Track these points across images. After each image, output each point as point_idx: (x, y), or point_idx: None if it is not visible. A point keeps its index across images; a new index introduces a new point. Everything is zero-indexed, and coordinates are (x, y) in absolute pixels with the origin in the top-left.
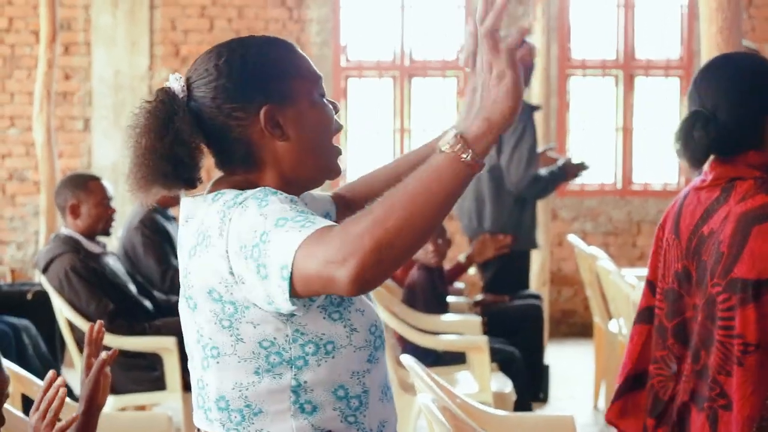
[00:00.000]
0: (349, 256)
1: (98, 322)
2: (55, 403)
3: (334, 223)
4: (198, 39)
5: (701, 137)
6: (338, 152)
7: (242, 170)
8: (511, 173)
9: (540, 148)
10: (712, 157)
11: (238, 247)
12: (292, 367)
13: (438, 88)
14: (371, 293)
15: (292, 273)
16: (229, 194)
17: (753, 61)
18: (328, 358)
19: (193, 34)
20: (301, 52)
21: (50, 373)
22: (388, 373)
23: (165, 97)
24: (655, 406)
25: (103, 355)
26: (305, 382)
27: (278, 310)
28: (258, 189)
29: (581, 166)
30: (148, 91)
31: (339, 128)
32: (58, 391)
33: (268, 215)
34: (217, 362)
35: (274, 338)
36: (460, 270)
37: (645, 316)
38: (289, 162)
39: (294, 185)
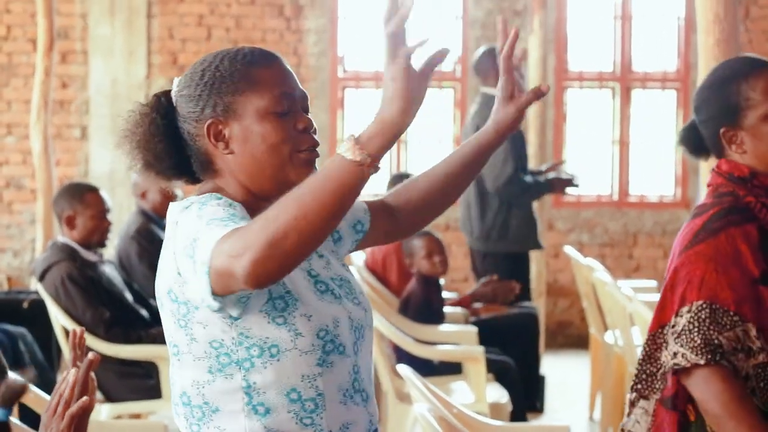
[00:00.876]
0: (245, 251)
1: (80, 329)
2: (66, 392)
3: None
4: (195, 48)
5: (688, 139)
6: (305, 162)
7: (208, 177)
8: (488, 174)
9: (546, 165)
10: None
11: (182, 247)
12: (240, 369)
13: (434, 99)
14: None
15: (209, 268)
16: (186, 200)
17: (722, 74)
18: (273, 361)
19: (190, 44)
20: (274, 67)
21: (65, 372)
22: (361, 377)
23: (153, 99)
24: None
25: (90, 356)
26: (255, 383)
27: (210, 307)
28: (205, 194)
29: (569, 183)
30: (146, 101)
31: (309, 143)
32: (68, 382)
33: (203, 216)
34: (178, 359)
35: (222, 339)
36: (463, 303)
37: None
38: (242, 174)
39: (256, 194)
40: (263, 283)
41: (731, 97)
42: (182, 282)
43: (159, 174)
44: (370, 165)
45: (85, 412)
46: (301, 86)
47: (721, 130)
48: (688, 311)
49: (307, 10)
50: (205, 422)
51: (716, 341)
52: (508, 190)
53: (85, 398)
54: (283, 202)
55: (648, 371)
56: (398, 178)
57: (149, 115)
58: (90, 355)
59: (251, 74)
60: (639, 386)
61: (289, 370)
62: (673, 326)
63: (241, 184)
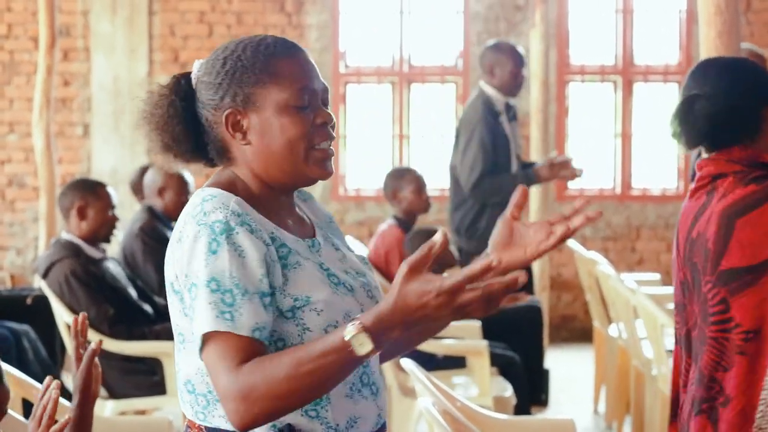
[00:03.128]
0: (240, 406)
1: (81, 314)
2: (49, 406)
3: (251, 332)
4: (197, 45)
5: (700, 115)
6: (320, 157)
7: (224, 165)
8: (461, 174)
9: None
10: (703, 155)
11: (184, 274)
12: None
13: (437, 94)
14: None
15: (201, 348)
16: (198, 195)
17: (748, 61)
18: None
19: (192, 40)
20: (296, 60)
21: (47, 379)
22: (371, 370)
23: (172, 81)
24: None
25: (93, 345)
26: None
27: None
28: (218, 219)
29: (562, 168)
30: (147, 92)
31: (324, 138)
32: (51, 395)
33: (208, 264)
34: (184, 347)
35: None
36: None
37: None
38: (257, 165)
39: (271, 185)
40: (248, 429)
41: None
42: (180, 287)
43: (177, 156)
44: (373, 353)
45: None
46: (322, 79)
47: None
48: None
49: (309, 5)
50: (210, 410)
51: None
52: (479, 191)
53: (67, 416)
54: (284, 373)
55: None
56: (397, 172)
57: (168, 97)
58: (92, 344)
59: (273, 66)
60: None
61: None
62: None
63: (255, 175)
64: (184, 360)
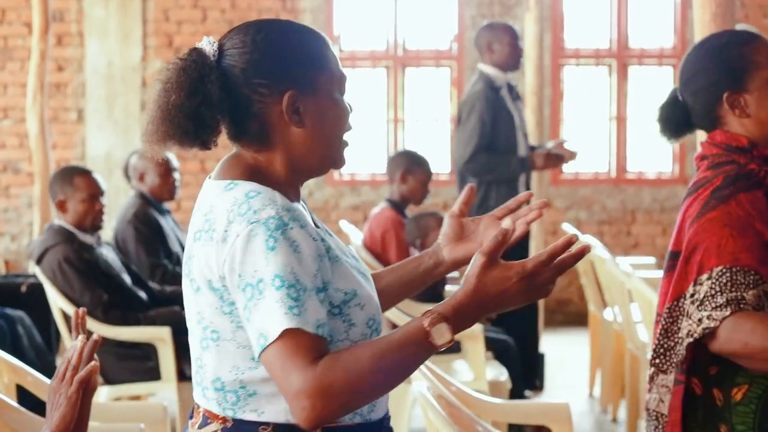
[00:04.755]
0: (318, 402)
1: (81, 309)
2: (74, 357)
3: (316, 329)
4: (191, 30)
5: (665, 115)
6: (346, 145)
7: (253, 147)
8: (457, 150)
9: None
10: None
11: (237, 274)
12: None
13: (431, 78)
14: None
15: (265, 347)
16: (239, 191)
17: (717, 41)
18: None
19: (186, 25)
20: (333, 49)
21: (78, 339)
22: None
23: (197, 57)
24: None
25: (95, 336)
26: None
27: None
28: (271, 215)
29: (557, 158)
30: (141, 83)
31: (349, 128)
32: (75, 347)
33: (270, 262)
34: (217, 345)
35: None
36: None
37: None
38: (299, 149)
39: (299, 172)
40: (316, 427)
41: (736, 61)
42: (226, 290)
43: (189, 143)
44: (450, 343)
45: (90, 392)
46: None
47: (725, 95)
48: (708, 278)
49: None
50: (241, 406)
51: (740, 296)
52: (472, 165)
53: (93, 363)
54: (367, 366)
55: (666, 345)
56: (415, 156)
57: (198, 83)
58: (94, 335)
59: (325, 54)
60: (657, 361)
61: None
62: (692, 295)
63: (289, 160)
64: (216, 358)
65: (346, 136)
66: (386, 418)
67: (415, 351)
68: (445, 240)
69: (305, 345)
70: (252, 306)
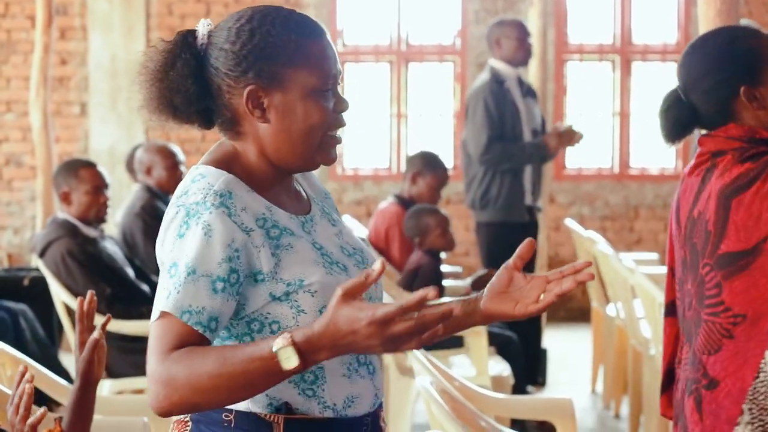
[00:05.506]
0: (161, 391)
1: (89, 292)
2: (24, 398)
3: (183, 314)
4: (194, 24)
5: (672, 117)
6: (332, 144)
7: (228, 135)
8: (470, 143)
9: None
10: (701, 132)
11: (160, 247)
12: (240, 343)
13: (435, 73)
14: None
15: (154, 324)
16: (191, 175)
17: (724, 38)
18: None
19: (189, 19)
20: (324, 43)
21: (21, 367)
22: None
23: (180, 38)
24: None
25: (96, 334)
26: None
27: None
28: (196, 200)
29: (569, 135)
30: (147, 47)
31: (338, 126)
32: (24, 388)
33: (174, 247)
34: None
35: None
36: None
37: (671, 308)
38: (268, 144)
39: (277, 165)
40: (163, 415)
41: (747, 56)
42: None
43: (179, 118)
44: (299, 370)
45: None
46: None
47: (742, 90)
48: None
49: None
50: None
51: None
52: (488, 157)
53: (43, 409)
54: (209, 371)
55: None
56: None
57: (180, 56)
58: (95, 333)
59: (305, 48)
60: None
61: None
62: None
63: (262, 153)
64: None
65: (331, 133)
66: (370, 415)
67: (259, 368)
68: (490, 289)
69: (173, 331)
70: (160, 286)
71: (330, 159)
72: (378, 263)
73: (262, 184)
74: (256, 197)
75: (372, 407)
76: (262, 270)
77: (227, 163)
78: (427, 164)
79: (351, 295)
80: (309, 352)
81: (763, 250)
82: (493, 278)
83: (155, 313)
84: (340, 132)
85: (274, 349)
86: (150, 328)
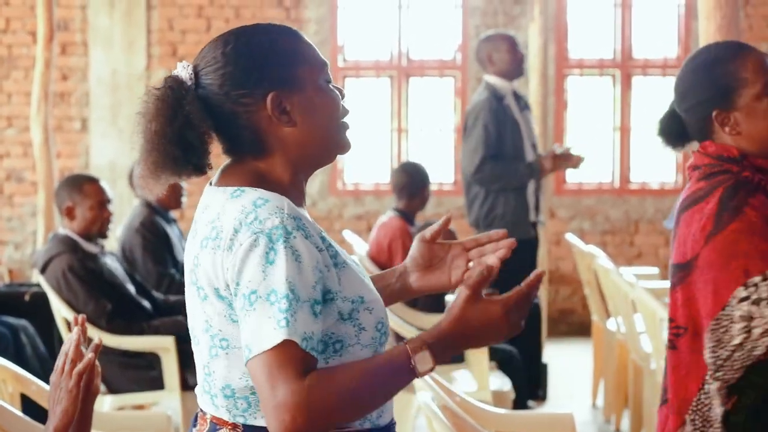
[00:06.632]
0: (299, 417)
1: (81, 316)
2: (71, 349)
3: (303, 341)
4: (195, 39)
5: (666, 128)
6: (346, 127)
7: (251, 157)
8: (464, 160)
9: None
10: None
11: (236, 283)
12: None
13: (435, 88)
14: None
15: (251, 357)
16: (246, 199)
17: (707, 58)
18: (335, 357)
19: (190, 35)
20: (306, 39)
21: (74, 331)
22: None
23: (173, 83)
24: None
25: (96, 340)
26: None
27: None
28: (275, 225)
29: (565, 157)
30: (156, 90)
31: (346, 113)
32: (72, 338)
33: (267, 275)
34: (227, 353)
35: None
36: None
37: None
38: (297, 147)
39: (304, 168)
40: None
41: (723, 79)
42: (231, 294)
43: (175, 170)
44: (431, 371)
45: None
46: None
47: (714, 113)
48: (763, 279)
49: None
50: (252, 412)
51: None
52: (480, 176)
53: (91, 355)
54: (354, 386)
55: (722, 356)
56: (404, 171)
57: (177, 108)
58: (95, 339)
59: (296, 46)
60: (719, 374)
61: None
62: (747, 297)
63: (289, 161)
64: (226, 365)
65: (344, 120)
66: (392, 424)
67: (397, 376)
68: (412, 264)
69: (294, 358)
70: (243, 316)
71: (349, 145)
72: (495, 258)
73: (295, 200)
74: (310, 219)
75: (392, 416)
76: (332, 289)
77: (262, 183)
78: (422, 176)
79: (478, 291)
80: (441, 352)
81: (695, 267)
82: (412, 251)
83: (268, 342)
84: (348, 118)
85: (412, 356)
86: (260, 358)
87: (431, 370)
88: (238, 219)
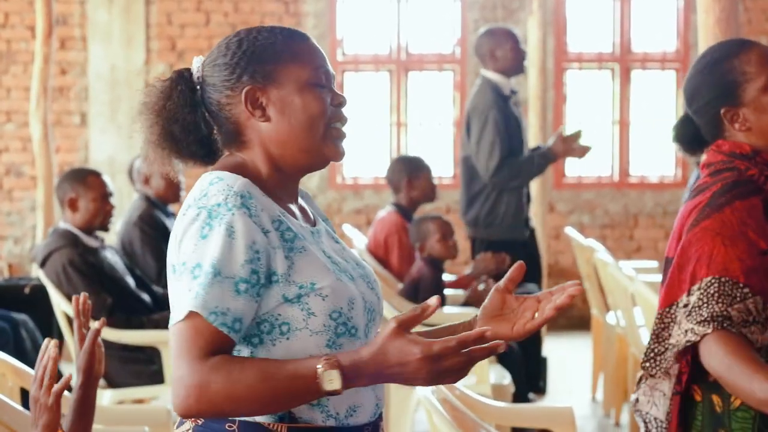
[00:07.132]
0: (192, 395)
1: (82, 294)
2: (49, 365)
3: (211, 314)
4: (194, 33)
5: (680, 134)
6: (337, 134)
7: (235, 148)
8: (479, 162)
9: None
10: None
11: (175, 253)
12: (248, 344)
13: (434, 82)
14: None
15: (173, 324)
16: (207, 178)
17: (711, 58)
18: (282, 339)
19: (189, 29)
20: (310, 43)
21: (45, 340)
22: None
23: (176, 74)
24: None
25: (96, 324)
26: None
27: None
28: (218, 201)
29: (573, 140)
30: (145, 86)
31: (339, 119)
32: (49, 354)
33: (197, 248)
34: None
35: None
36: (465, 283)
37: None
38: (273, 144)
39: (284, 169)
40: (185, 417)
41: (727, 76)
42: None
43: (179, 150)
44: (338, 393)
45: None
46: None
47: (722, 111)
48: (698, 288)
49: None
50: None
51: (724, 313)
52: (499, 177)
53: (68, 374)
54: (250, 386)
55: (656, 350)
56: (418, 160)
57: (176, 88)
58: (96, 324)
59: (291, 46)
60: (647, 364)
61: (297, 349)
62: (685, 305)
63: (268, 157)
64: None
65: (334, 125)
66: (371, 424)
67: (301, 386)
68: (482, 313)
69: (202, 333)
70: (170, 286)
71: (338, 152)
72: (434, 299)
73: (273, 192)
74: (269, 202)
75: (373, 417)
76: (277, 271)
77: (239, 170)
78: (414, 165)
79: (405, 327)
80: (352, 377)
81: (671, 264)
82: (486, 302)
83: (180, 313)
84: (341, 125)
85: (319, 371)
86: (173, 328)
87: (338, 392)
88: (193, 196)
